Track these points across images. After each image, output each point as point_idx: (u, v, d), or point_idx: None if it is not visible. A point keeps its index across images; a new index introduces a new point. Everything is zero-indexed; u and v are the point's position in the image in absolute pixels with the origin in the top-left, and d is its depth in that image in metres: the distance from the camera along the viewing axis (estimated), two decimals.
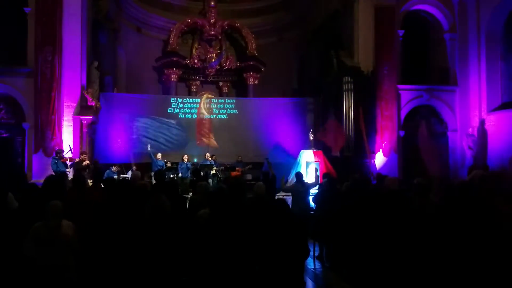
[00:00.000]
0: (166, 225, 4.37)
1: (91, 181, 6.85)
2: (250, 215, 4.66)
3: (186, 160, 13.62)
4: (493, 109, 13.52)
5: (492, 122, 13.43)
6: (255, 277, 4.15)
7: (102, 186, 6.41)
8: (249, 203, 5.49)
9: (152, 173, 12.86)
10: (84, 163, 11.15)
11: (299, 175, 8.22)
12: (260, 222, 4.41)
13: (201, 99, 16.96)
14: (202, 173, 11.55)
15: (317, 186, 8.50)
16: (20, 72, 12.38)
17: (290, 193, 8.38)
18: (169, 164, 13.66)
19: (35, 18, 12.22)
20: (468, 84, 14.16)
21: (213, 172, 13.33)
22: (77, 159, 11.54)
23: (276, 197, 8.76)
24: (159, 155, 13.65)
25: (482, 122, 13.66)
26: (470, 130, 13.87)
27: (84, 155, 11.74)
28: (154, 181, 12.12)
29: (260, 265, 4.16)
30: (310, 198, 8.98)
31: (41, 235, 3.94)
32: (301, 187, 8.00)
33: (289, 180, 12.07)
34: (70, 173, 11.07)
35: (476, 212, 4.36)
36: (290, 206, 6.93)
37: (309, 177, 10.53)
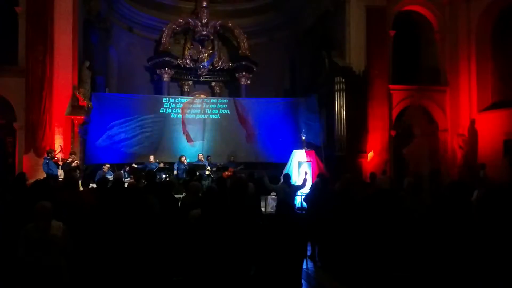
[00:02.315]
0: (154, 226, 4.38)
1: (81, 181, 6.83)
2: (245, 216, 4.67)
3: (184, 161, 13.40)
4: (483, 109, 13.67)
5: (482, 121, 13.57)
6: (250, 278, 4.17)
7: (95, 187, 6.42)
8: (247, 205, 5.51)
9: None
10: (74, 164, 11.09)
11: (286, 177, 8.33)
12: (257, 224, 4.43)
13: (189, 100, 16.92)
14: (197, 173, 11.54)
15: (309, 186, 8.55)
16: (11, 72, 12.27)
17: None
18: (161, 165, 13.58)
19: (26, 17, 12.12)
20: (458, 84, 14.30)
21: (207, 172, 13.32)
22: (67, 160, 11.48)
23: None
24: (151, 158, 13.55)
25: (473, 122, 13.79)
26: (460, 129, 14.00)
27: (73, 155, 11.66)
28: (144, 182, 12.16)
29: (258, 266, 4.17)
30: (298, 198, 9.10)
31: (31, 236, 3.93)
32: (287, 187, 8.09)
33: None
34: (61, 173, 11.04)
35: (466, 211, 4.41)
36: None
37: (301, 177, 10.57)
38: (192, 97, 17.93)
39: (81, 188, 6.35)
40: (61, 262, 4.06)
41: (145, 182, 6.66)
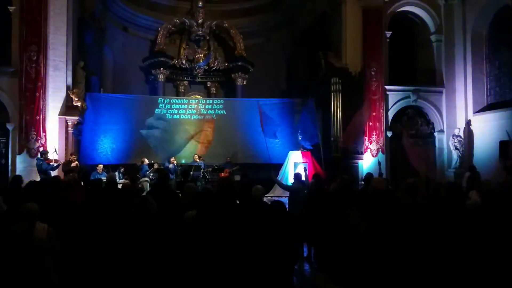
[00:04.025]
0: (151, 227, 4.31)
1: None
2: (240, 216, 4.62)
3: (174, 163, 13.40)
4: (479, 110, 13.69)
5: (478, 123, 13.58)
6: (244, 279, 4.11)
7: (89, 187, 6.34)
8: (243, 205, 5.44)
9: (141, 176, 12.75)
10: (73, 164, 11.00)
11: (299, 176, 8.00)
12: (251, 224, 4.37)
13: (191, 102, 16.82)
14: (191, 174, 11.47)
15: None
16: (4, 72, 12.13)
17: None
18: (156, 166, 13.50)
19: (20, 17, 12.01)
20: (454, 85, 14.33)
21: (201, 173, 13.26)
22: (64, 161, 11.38)
23: (273, 199, 8.76)
24: (146, 160, 13.48)
25: (468, 123, 13.81)
26: (456, 131, 14.01)
27: (73, 156, 11.58)
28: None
29: (251, 266, 4.12)
30: None
31: (16, 238, 3.87)
32: (302, 186, 7.77)
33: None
34: (54, 174, 10.94)
35: (461, 212, 4.38)
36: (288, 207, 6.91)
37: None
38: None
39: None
40: (48, 264, 3.99)
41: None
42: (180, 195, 5.87)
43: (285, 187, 8.59)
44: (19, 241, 3.86)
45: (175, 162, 13.47)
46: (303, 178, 8.12)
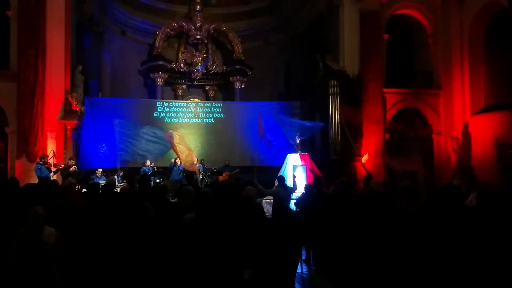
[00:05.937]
0: (148, 231, 4.32)
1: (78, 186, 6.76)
2: (238, 218, 4.63)
3: (178, 163, 13.31)
4: (477, 112, 13.71)
5: (476, 124, 13.61)
6: (244, 282, 4.12)
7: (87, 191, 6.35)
8: (239, 207, 5.46)
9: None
10: (72, 168, 11.01)
11: (281, 179, 8.24)
12: (251, 226, 4.38)
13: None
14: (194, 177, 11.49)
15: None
16: (3, 76, 12.16)
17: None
18: (155, 169, 13.51)
19: (18, 21, 12.03)
20: (451, 87, 14.35)
21: (200, 176, 13.26)
22: (63, 165, 11.38)
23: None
24: (148, 162, 13.48)
25: (466, 125, 13.83)
26: (454, 132, 14.04)
27: (71, 160, 11.59)
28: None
29: (253, 269, 4.13)
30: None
31: (23, 242, 3.85)
32: (283, 190, 7.98)
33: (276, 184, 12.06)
34: (54, 178, 10.94)
35: (459, 214, 4.39)
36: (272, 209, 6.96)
37: (290, 180, 10.54)
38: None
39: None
40: (54, 268, 3.99)
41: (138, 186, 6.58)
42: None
43: (266, 192, 8.69)
44: (27, 245, 3.85)
45: (179, 163, 13.28)
46: (288, 182, 8.29)
